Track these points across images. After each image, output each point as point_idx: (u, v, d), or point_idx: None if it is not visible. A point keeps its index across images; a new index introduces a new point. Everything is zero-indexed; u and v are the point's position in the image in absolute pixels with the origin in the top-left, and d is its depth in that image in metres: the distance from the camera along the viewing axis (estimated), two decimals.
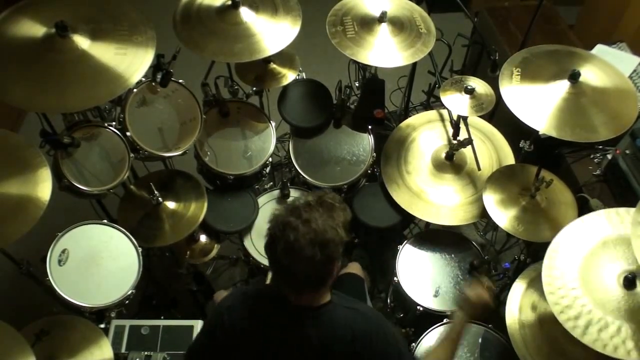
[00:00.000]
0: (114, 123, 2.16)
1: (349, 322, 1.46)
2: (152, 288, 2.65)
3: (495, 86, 2.12)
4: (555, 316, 1.65)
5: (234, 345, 1.50)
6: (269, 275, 2.04)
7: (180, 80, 2.26)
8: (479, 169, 2.29)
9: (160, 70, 2.09)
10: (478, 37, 2.98)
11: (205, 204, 2.29)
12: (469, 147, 2.25)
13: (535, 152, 2.31)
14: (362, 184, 2.53)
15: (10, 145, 1.90)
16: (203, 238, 2.50)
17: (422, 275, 2.25)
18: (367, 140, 2.51)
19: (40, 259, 1.98)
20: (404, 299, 2.21)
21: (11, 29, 1.91)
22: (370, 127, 2.52)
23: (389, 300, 2.48)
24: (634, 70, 2.46)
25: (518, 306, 2.01)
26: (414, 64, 2.86)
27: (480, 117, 2.29)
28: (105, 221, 2.17)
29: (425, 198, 2.31)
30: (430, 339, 2.09)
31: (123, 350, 1.99)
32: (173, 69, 2.12)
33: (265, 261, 2.30)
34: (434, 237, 2.36)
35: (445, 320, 2.13)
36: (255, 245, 2.36)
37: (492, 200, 2.14)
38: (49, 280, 1.94)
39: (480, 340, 2.08)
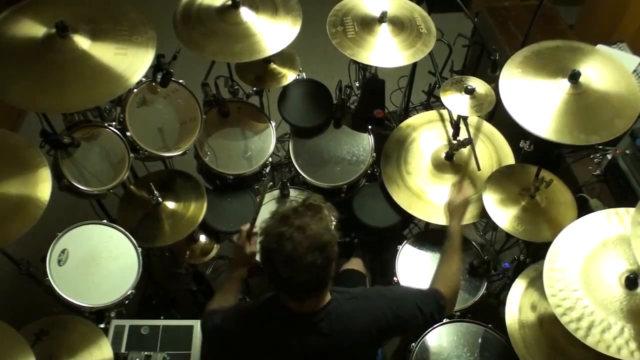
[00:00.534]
0: (114, 123, 2.16)
1: (358, 312, 1.47)
2: (152, 288, 2.65)
3: (495, 87, 2.11)
4: (554, 316, 1.65)
5: None
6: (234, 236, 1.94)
7: (181, 81, 2.26)
8: (479, 169, 2.29)
9: (160, 70, 2.09)
10: (478, 37, 2.98)
11: (205, 204, 2.29)
12: (469, 147, 2.25)
13: (535, 152, 2.31)
14: (362, 184, 2.53)
15: (10, 145, 1.89)
16: (203, 238, 2.50)
17: (422, 275, 2.25)
18: (367, 140, 2.51)
19: (40, 259, 1.98)
20: None
21: (11, 29, 1.91)
22: (370, 127, 2.52)
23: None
24: (634, 71, 2.46)
25: (518, 306, 2.01)
26: (414, 64, 2.86)
27: (480, 117, 2.29)
28: (105, 221, 2.17)
29: (425, 198, 2.31)
30: (431, 338, 2.10)
31: (123, 350, 1.98)
32: (173, 69, 2.12)
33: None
34: (433, 237, 2.36)
35: (445, 321, 2.14)
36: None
37: (491, 200, 2.14)
38: (49, 280, 1.94)
39: (480, 341, 2.08)
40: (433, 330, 2.11)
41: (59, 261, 1.99)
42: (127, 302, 2.06)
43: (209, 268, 2.81)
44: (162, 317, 2.11)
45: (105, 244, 2.10)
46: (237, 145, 2.46)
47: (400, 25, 2.28)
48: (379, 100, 2.52)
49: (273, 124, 2.51)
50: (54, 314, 2.03)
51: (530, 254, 2.29)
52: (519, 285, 2.06)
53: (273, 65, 2.49)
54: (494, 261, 2.54)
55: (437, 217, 2.26)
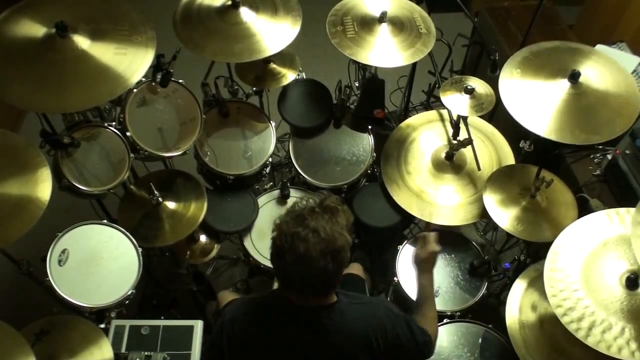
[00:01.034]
0: (114, 123, 2.16)
1: (362, 317, 1.47)
2: (152, 288, 2.65)
3: (495, 86, 2.12)
4: (555, 316, 1.65)
5: (248, 357, 1.49)
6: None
7: (180, 80, 2.26)
8: (479, 169, 2.29)
9: (160, 70, 2.09)
10: (478, 37, 2.98)
11: (205, 204, 2.29)
12: (469, 147, 2.25)
13: (535, 152, 2.31)
14: (362, 184, 2.53)
15: (10, 145, 1.89)
16: (203, 238, 2.50)
17: None
18: (367, 140, 2.51)
19: (40, 259, 1.98)
20: (404, 299, 2.20)
21: (11, 29, 1.91)
22: (370, 127, 2.52)
23: (388, 300, 2.49)
24: (634, 71, 2.46)
25: (518, 306, 2.00)
26: (414, 64, 2.85)
27: (480, 117, 2.29)
28: (105, 221, 2.17)
29: (425, 198, 2.31)
30: None
31: (123, 350, 1.98)
32: (173, 69, 2.12)
33: (265, 261, 2.30)
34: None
35: (445, 321, 2.14)
36: (255, 245, 2.36)
37: (492, 201, 2.14)
38: (49, 280, 1.94)
39: (480, 341, 2.08)
40: None
41: (59, 261, 1.99)
42: (127, 302, 2.06)
43: (210, 268, 2.82)
44: (162, 317, 2.11)
45: (106, 244, 2.10)
46: (237, 146, 2.46)
47: (400, 25, 2.28)
48: (379, 100, 2.52)
49: (273, 124, 2.51)
50: (54, 314, 2.03)
51: (530, 254, 2.29)
52: (519, 286, 2.05)
53: (273, 65, 2.49)
54: (495, 261, 2.54)
55: (438, 217, 2.26)
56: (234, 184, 2.45)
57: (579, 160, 2.42)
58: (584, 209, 2.12)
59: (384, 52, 2.22)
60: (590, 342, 1.57)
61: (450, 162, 2.36)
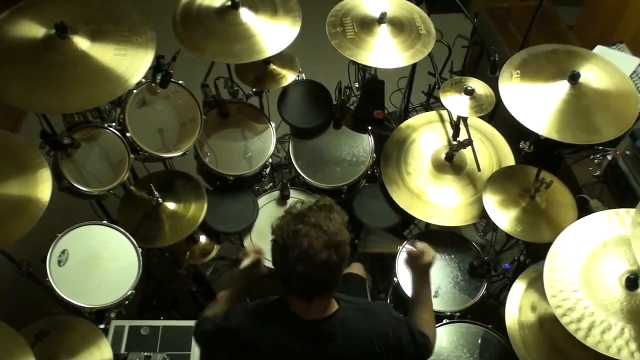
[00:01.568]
0: (113, 124, 2.16)
1: (364, 325, 1.47)
2: (152, 288, 2.65)
3: (495, 87, 2.12)
4: (554, 317, 1.65)
5: None
6: (244, 262, 1.74)
7: (180, 81, 2.26)
8: (479, 169, 2.29)
9: (160, 71, 2.09)
10: (478, 38, 2.98)
11: (205, 205, 2.29)
12: (469, 147, 2.25)
13: (535, 153, 2.31)
14: (362, 185, 2.53)
15: (10, 146, 1.89)
16: (203, 239, 2.50)
17: None
18: (367, 141, 2.51)
19: (40, 260, 1.98)
20: (404, 299, 2.20)
21: (11, 30, 1.91)
22: (370, 127, 2.52)
23: (388, 301, 2.48)
24: (634, 72, 2.46)
25: (518, 307, 2.01)
26: (414, 65, 2.86)
27: (480, 117, 2.29)
28: (105, 222, 2.17)
29: (425, 199, 2.31)
30: None
31: (122, 350, 1.99)
32: (173, 70, 2.12)
33: (265, 262, 2.29)
34: (433, 238, 2.35)
35: (445, 321, 2.13)
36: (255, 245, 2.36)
37: (492, 201, 2.14)
38: (49, 280, 1.94)
39: (480, 341, 2.08)
40: None
41: (59, 262, 2.00)
42: (127, 302, 2.06)
43: (209, 269, 2.81)
44: (162, 318, 2.11)
45: (106, 245, 2.10)
46: (237, 146, 2.46)
47: (399, 26, 2.28)
48: (379, 101, 2.52)
49: (273, 124, 2.51)
50: (54, 315, 2.04)
51: (530, 254, 2.29)
52: (519, 286, 2.05)
53: (273, 66, 2.49)
54: (494, 262, 2.54)
55: (437, 217, 2.27)
56: (234, 184, 2.45)
57: (579, 161, 2.42)
58: (583, 210, 2.12)
59: (384, 53, 2.22)
60: (590, 342, 1.57)
61: (450, 163, 2.36)
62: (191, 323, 2.03)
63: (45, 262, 1.97)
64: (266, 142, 2.48)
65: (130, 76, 1.92)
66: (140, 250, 2.11)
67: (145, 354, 1.96)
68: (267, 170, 2.54)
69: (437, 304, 2.17)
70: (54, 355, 1.93)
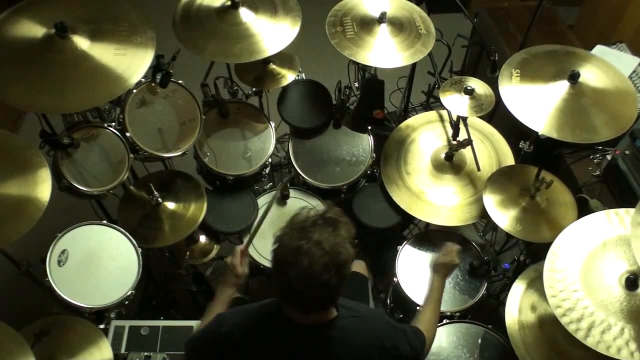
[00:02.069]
0: (113, 124, 2.16)
1: (363, 333, 1.46)
2: (152, 288, 2.65)
3: (494, 87, 2.12)
4: (554, 317, 1.65)
5: None
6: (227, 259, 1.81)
7: (180, 81, 2.26)
8: (479, 169, 2.29)
9: (159, 70, 2.09)
10: (477, 38, 2.98)
11: (205, 205, 2.29)
12: (469, 147, 2.25)
13: (535, 153, 2.31)
14: (361, 185, 2.53)
15: (10, 146, 1.89)
16: (202, 239, 2.50)
17: (422, 276, 2.25)
18: (366, 141, 2.51)
19: (39, 260, 1.98)
20: (404, 300, 2.21)
21: (11, 30, 1.91)
22: (369, 127, 2.52)
23: (388, 301, 2.48)
24: (634, 71, 2.46)
25: (518, 307, 2.01)
26: (414, 65, 2.86)
27: (479, 117, 2.29)
28: (104, 222, 2.17)
29: (425, 199, 2.31)
30: None
31: (123, 350, 1.98)
32: (172, 70, 2.12)
33: (265, 262, 2.30)
34: (433, 238, 2.36)
35: (445, 321, 2.13)
36: (255, 245, 2.35)
37: (492, 201, 2.14)
38: (49, 280, 1.94)
39: (480, 341, 2.08)
40: None
41: (59, 262, 1.99)
42: (127, 302, 2.06)
43: (209, 269, 2.81)
44: (162, 318, 2.11)
45: (105, 245, 2.10)
46: (237, 146, 2.46)
47: (399, 25, 2.28)
48: (379, 101, 2.52)
49: (272, 124, 2.51)
50: (54, 315, 2.03)
51: (530, 254, 2.29)
52: (519, 286, 2.06)
53: (272, 66, 2.49)
54: (494, 262, 2.54)
55: (437, 217, 2.27)
56: (234, 184, 2.45)
57: (579, 160, 2.42)
58: (583, 210, 2.12)
59: (384, 52, 2.22)
60: (590, 342, 1.57)
61: (450, 163, 2.36)
62: (191, 323, 2.04)
63: (45, 262, 1.96)
64: (266, 142, 2.48)
65: (130, 76, 1.92)
66: (140, 250, 2.11)
67: (145, 354, 1.96)
68: (267, 170, 2.54)
69: None
70: (54, 355, 1.92)
